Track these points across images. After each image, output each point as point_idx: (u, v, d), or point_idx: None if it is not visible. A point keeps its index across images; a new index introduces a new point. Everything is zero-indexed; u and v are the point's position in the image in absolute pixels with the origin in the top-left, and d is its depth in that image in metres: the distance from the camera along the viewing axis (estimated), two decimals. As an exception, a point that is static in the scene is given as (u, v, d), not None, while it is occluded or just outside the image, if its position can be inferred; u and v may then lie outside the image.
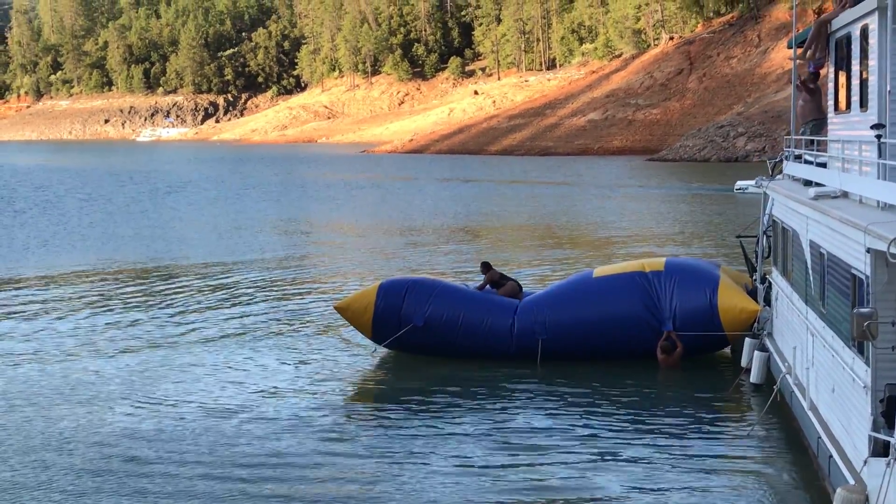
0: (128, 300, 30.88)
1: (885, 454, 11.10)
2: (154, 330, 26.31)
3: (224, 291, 32.18)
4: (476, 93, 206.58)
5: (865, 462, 11.76)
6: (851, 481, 12.06)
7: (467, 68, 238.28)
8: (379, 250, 42.50)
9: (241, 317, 27.86)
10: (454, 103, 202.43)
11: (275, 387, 20.53)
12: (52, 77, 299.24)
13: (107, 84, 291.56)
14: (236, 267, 37.48)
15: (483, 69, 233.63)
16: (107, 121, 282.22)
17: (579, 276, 23.28)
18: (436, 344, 22.20)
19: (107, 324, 27.20)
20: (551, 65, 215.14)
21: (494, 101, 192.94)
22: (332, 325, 26.06)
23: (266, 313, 28.29)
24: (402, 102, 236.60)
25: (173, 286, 33.37)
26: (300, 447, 16.57)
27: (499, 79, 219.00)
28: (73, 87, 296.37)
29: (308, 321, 27.03)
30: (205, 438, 17.08)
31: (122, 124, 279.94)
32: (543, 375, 20.93)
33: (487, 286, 23.46)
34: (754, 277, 23.08)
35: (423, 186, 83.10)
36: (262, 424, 17.87)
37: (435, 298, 22.19)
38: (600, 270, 23.01)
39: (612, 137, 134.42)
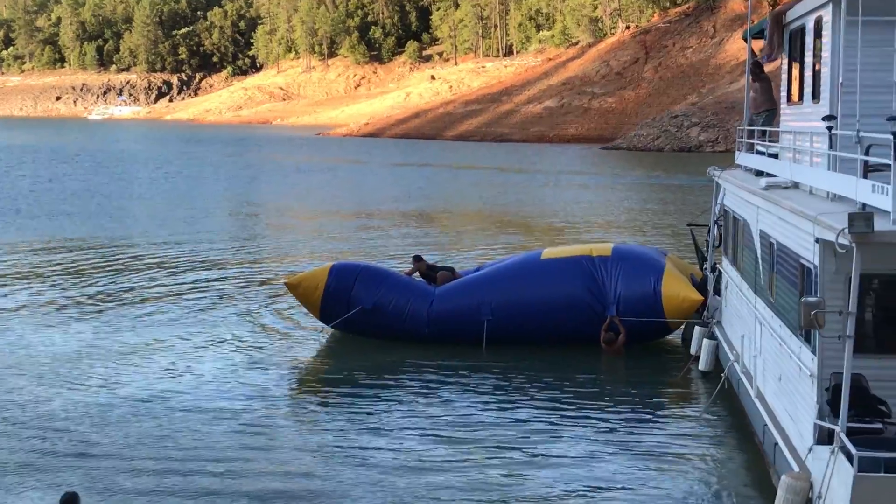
0: (70, 277, 30.59)
1: (830, 442, 11.21)
2: (96, 308, 26.14)
3: (170, 270, 31.98)
4: (433, 78, 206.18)
5: (810, 449, 11.88)
6: (796, 468, 12.18)
7: (424, 53, 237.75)
8: (330, 233, 42.36)
9: (186, 295, 27.71)
10: (411, 88, 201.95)
11: (214, 368, 20.45)
12: (4, 53, 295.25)
13: (59, 61, 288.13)
14: (184, 246, 37.23)
15: (440, 54, 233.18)
16: (59, 98, 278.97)
17: (527, 257, 23.47)
18: (382, 328, 22.23)
19: (47, 301, 27.00)
20: (508, 51, 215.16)
21: (451, 87, 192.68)
22: (279, 307, 25.98)
23: (212, 293, 28.15)
24: (359, 86, 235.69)
25: (119, 264, 33.11)
26: (233, 438, 16.14)
27: (456, 64, 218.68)
28: (24, 63, 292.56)
29: (255, 302, 26.92)
30: (135, 425, 16.76)
31: (75, 102, 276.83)
32: (488, 360, 20.94)
33: (417, 276, 23.54)
34: (705, 267, 23.24)
35: (378, 170, 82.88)
36: (196, 411, 17.60)
37: (385, 284, 22.31)
38: (549, 252, 23.15)
39: (567, 125, 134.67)
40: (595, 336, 21.56)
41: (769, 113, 19.94)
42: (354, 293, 22.25)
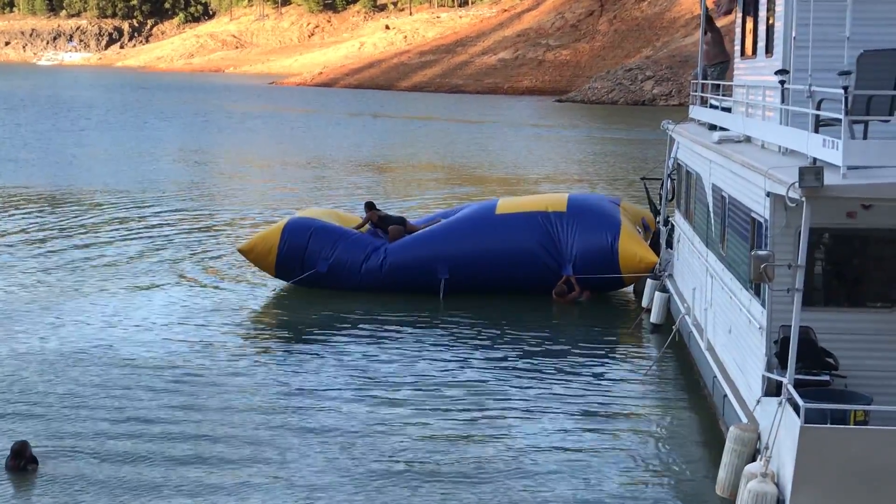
0: (15, 225, 30.23)
1: (778, 394, 11.34)
2: (40, 257, 25.89)
3: (118, 219, 31.70)
4: (387, 27, 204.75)
5: (758, 401, 12.01)
6: (744, 420, 12.31)
7: (379, 2, 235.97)
8: (281, 181, 42.16)
9: (135, 244, 27.49)
10: (365, 37, 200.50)
11: (162, 317, 20.34)
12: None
13: (8, 5, 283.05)
14: (133, 195, 36.88)
15: (395, 3, 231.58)
16: (7, 43, 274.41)
17: (482, 211, 23.21)
18: (338, 283, 22.16)
19: None
20: (464, 2, 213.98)
21: (406, 37, 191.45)
22: (227, 255, 25.84)
23: (162, 242, 27.95)
24: (312, 35, 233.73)
25: (69, 214, 32.75)
26: (176, 388, 15.98)
27: (410, 14, 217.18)
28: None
29: (205, 251, 26.77)
30: (80, 374, 16.68)
31: (24, 47, 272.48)
32: (444, 312, 20.93)
33: (369, 226, 23.35)
34: (658, 220, 23.34)
35: (331, 120, 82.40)
36: (140, 360, 17.53)
37: (339, 243, 22.15)
38: (503, 205, 23.07)
39: (521, 77, 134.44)
40: (549, 292, 21.66)
41: (723, 65, 19.97)
42: (308, 254, 22.07)
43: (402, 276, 21.97)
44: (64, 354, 17.65)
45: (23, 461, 12.78)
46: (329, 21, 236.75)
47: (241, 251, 23.06)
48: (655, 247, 22.39)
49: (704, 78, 20.18)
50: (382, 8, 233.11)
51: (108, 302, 21.51)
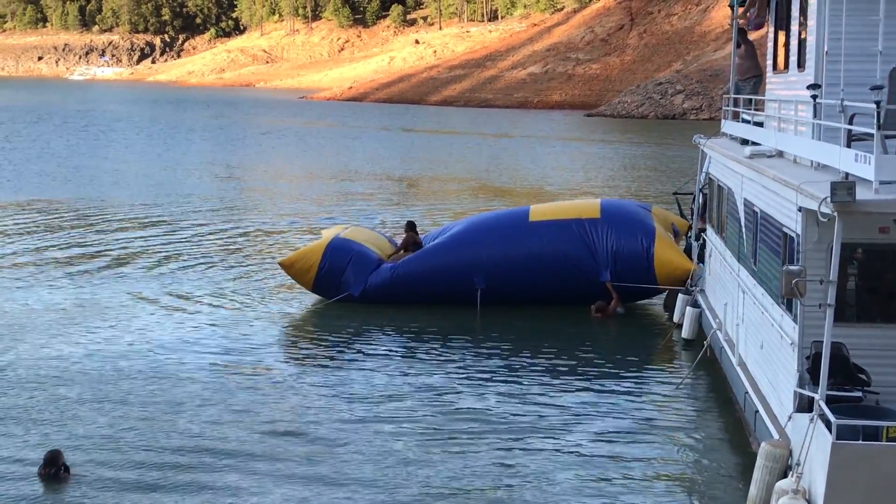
0: (49, 238, 30.48)
1: (810, 410, 11.27)
2: (74, 268, 26.15)
3: (152, 236, 31.87)
4: (417, 42, 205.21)
5: (790, 417, 11.95)
6: (776, 436, 12.25)
7: (409, 17, 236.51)
8: (311, 196, 42.26)
9: (171, 256, 27.65)
10: (395, 52, 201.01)
11: (195, 327, 20.58)
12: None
13: (41, 20, 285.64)
14: (166, 208, 37.09)
15: (424, 18, 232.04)
16: (40, 58, 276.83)
17: (514, 218, 23.13)
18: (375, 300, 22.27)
19: (30, 262, 26.91)
20: (493, 16, 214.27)
21: (435, 52, 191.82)
22: (262, 266, 25.94)
23: (196, 254, 28.08)
24: (342, 49, 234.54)
25: (101, 229, 32.97)
26: (211, 396, 16.26)
27: (440, 28, 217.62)
28: (6, 22, 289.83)
29: (238, 263, 26.88)
30: (116, 383, 16.91)
31: (56, 62, 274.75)
32: (480, 326, 21.00)
33: (403, 253, 23.35)
34: (689, 234, 23.29)
35: (362, 135, 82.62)
36: (174, 369, 17.75)
37: (372, 273, 22.29)
38: (537, 212, 23.03)
39: (551, 91, 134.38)
40: (586, 300, 21.68)
41: (756, 79, 19.93)
42: (345, 277, 22.23)
43: (436, 283, 22.00)
44: (99, 367, 17.78)
45: (55, 469, 12.90)
46: (359, 36, 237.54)
47: (281, 265, 23.14)
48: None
49: (737, 92, 20.13)
50: (412, 23, 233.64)
51: (142, 314, 21.64)
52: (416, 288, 22.07)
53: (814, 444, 10.80)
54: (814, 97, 13.60)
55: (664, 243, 21.83)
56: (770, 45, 18.43)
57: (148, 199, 39.70)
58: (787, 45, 16.93)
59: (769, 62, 18.55)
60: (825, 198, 10.75)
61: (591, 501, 12.49)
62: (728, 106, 20.68)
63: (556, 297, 21.95)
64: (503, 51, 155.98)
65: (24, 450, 13.91)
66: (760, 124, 17.76)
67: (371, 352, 19.16)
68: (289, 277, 23.23)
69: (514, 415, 15.67)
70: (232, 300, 23.09)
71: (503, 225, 22.88)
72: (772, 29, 18.38)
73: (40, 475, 12.92)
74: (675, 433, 15.06)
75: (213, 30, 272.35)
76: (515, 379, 17.58)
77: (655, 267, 21.57)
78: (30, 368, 17.61)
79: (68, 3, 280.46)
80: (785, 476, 11.33)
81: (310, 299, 22.93)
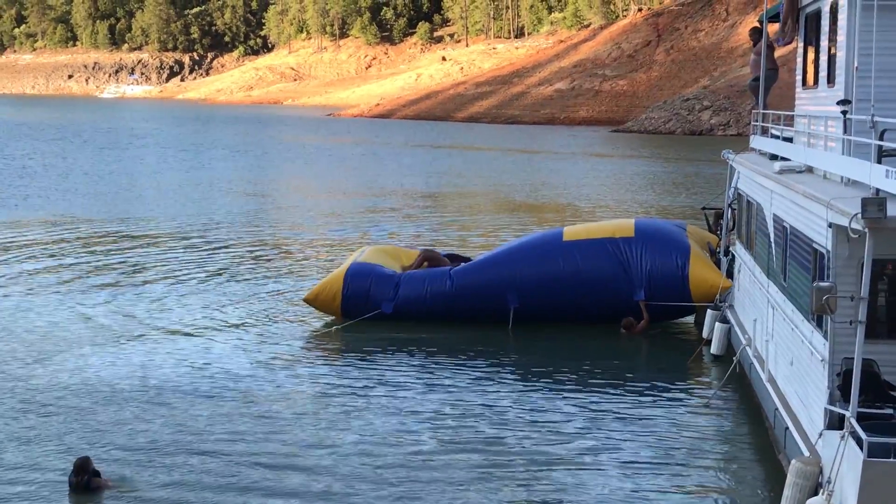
0: (80, 256, 30.67)
1: (840, 427, 11.21)
2: (103, 286, 26.26)
3: (180, 249, 32.02)
4: (444, 59, 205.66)
5: (821, 434, 11.88)
6: (806, 453, 12.19)
7: (436, 34, 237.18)
8: (340, 213, 42.37)
9: (196, 273, 27.77)
10: (422, 69, 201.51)
11: (223, 343, 20.68)
12: (16, 31, 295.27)
13: (71, 39, 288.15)
14: (195, 225, 37.26)
15: (451, 35, 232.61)
16: (70, 76, 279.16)
17: (549, 238, 23.17)
18: (409, 317, 22.24)
19: (60, 280, 27.11)
20: (520, 33, 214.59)
21: (462, 68, 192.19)
22: (291, 281, 26.01)
23: (224, 271, 28.21)
24: (370, 66, 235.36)
25: (130, 246, 33.16)
26: (241, 412, 16.32)
27: (467, 45, 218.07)
28: (36, 41, 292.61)
29: (266, 279, 26.98)
30: (144, 400, 16.99)
31: (86, 80, 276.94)
32: (507, 339, 21.07)
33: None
34: (718, 250, 23.22)
35: (390, 151, 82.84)
36: (203, 384, 17.85)
37: (401, 285, 22.33)
38: (570, 232, 23.06)
39: (578, 108, 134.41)
40: (619, 319, 21.68)
41: (770, 72, 20.13)
42: (372, 296, 22.25)
43: (470, 301, 22.02)
44: (127, 383, 17.86)
45: (86, 476, 12.98)
46: (386, 53, 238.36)
47: (306, 301, 23.08)
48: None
49: (764, 107, 20.11)
50: (439, 40, 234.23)
51: (170, 330, 21.74)
52: (448, 305, 22.08)
53: (845, 462, 10.73)
54: (844, 113, 13.56)
55: (699, 261, 21.77)
56: (799, 60, 18.40)
57: (175, 215, 39.89)
58: (816, 60, 16.89)
59: (798, 77, 18.52)
60: (856, 214, 10.71)
61: (620, 518, 12.46)
62: (757, 121, 20.64)
63: (590, 316, 21.89)
64: (530, 67, 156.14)
65: (54, 459, 14.03)
66: (790, 140, 17.72)
67: (399, 369, 19.15)
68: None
69: (544, 427, 15.64)
70: (258, 316, 23.13)
71: (537, 245, 22.89)
72: (801, 44, 18.35)
73: (71, 484, 13.01)
74: (703, 449, 14.99)
75: (241, 48, 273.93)
76: (543, 395, 17.57)
77: (691, 286, 21.51)
78: (53, 382, 17.71)
79: (98, 21, 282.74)
80: (816, 494, 11.26)
81: (326, 319, 23.01)
